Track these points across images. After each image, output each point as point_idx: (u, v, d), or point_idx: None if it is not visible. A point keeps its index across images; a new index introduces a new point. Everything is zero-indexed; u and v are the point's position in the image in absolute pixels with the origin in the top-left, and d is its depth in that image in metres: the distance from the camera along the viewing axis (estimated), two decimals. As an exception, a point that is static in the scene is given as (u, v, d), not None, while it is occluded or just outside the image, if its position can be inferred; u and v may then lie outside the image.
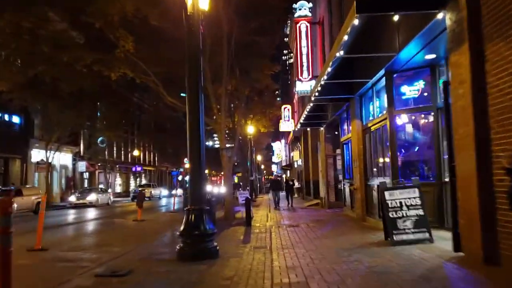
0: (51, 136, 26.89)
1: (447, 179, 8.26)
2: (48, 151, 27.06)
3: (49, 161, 27.39)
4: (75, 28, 14.96)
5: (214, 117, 14.77)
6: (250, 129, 29.47)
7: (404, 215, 7.34)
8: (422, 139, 9.45)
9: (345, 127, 14.81)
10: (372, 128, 11.01)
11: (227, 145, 17.07)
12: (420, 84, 9.07)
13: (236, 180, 55.11)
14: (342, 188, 15.53)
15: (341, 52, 7.48)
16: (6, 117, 26.31)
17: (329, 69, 8.79)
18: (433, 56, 8.12)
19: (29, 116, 26.85)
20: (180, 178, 53.33)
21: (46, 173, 27.07)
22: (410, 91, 9.21)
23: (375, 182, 10.77)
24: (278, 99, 33.94)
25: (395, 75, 9.31)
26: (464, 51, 5.38)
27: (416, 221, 7.26)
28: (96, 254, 8.22)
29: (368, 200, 11.58)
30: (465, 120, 5.45)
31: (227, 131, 27.30)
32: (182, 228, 6.78)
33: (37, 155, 28.07)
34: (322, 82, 9.85)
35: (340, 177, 17.81)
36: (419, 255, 6.20)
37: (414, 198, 7.43)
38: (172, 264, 6.51)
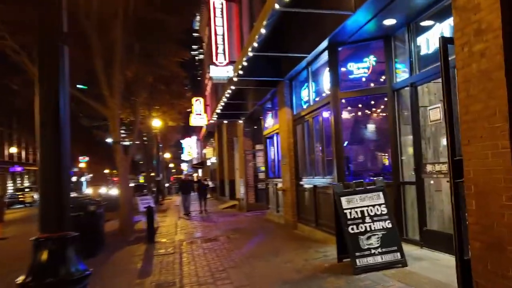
0: None
1: (407, 179, 6.60)
2: None
3: None
4: None
5: (107, 104, 11.61)
6: (156, 122, 26.19)
7: (369, 229, 5.37)
8: (373, 129, 7.72)
9: (270, 118, 12.79)
10: (306, 117, 9.05)
11: (126, 141, 14.04)
12: (370, 60, 7.27)
13: (141, 181, 50.56)
14: (265, 188, 13.50)
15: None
16: None
17: (262, 31, 6.51)
18: (392, 21, 6.33)
19: None
20: (74, 179, 47.16)
21: None
22: (359, 68, 7.37)
23: (310, 182, 8.84)
24: (187, 93, 31.04)
25: (340, 48, 7.39)
26: (488, -18, 3.47)
27: (383, 237, 5.34)
28: None
29: (300, 204, 9.63)
30: (487, 90, 3.55)
31: (130, 126, 23.80)
32: (26, 273, 3.89)
33: None
34: (250, 54, 7.57)
35: (261, 175, 15.85)
36: (408, 294, 4.22)
37: (379, 205, 5.52)
38: None
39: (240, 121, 16.09)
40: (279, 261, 6.43)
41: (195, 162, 45.13)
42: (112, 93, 11.50)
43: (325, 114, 8.05)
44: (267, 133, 12.68)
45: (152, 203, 12.02)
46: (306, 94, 9.13)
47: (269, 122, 12.77)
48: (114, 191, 28.71)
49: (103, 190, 40.31)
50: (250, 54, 7.59)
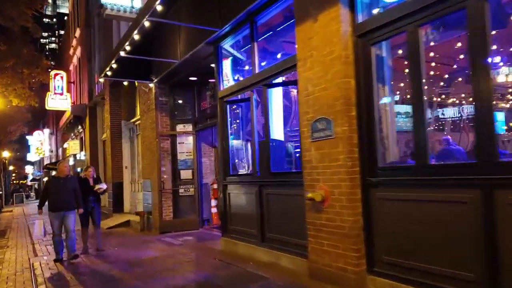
0: None
1: None
2: None
3: None
4: None
5: None
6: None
7: None
8: None
9: (234, 66, 6.89)
10: (414, 20, 3.60)
11: None
12: None
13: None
14: (223, 195, 7.42)
15: None
16: None
17: None
18: None
19: None
20: None
21: None
22: None
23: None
24: (45, 62, 21.64)
25: None
26: None
27: None
28: None
29: (382, 231, 4.08)
30: None
31: None
32: None
33: None
34: None
35: (186, 174, 9.73)
36: None
37: None
38: None
39: (151, 84, 9.62)
40: None
41: (48, 162, 34.71)
42: None
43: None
44: (231, 92, 6.70)
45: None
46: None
47: (232, 74, 6.86)
48: None
49: None
50: None
